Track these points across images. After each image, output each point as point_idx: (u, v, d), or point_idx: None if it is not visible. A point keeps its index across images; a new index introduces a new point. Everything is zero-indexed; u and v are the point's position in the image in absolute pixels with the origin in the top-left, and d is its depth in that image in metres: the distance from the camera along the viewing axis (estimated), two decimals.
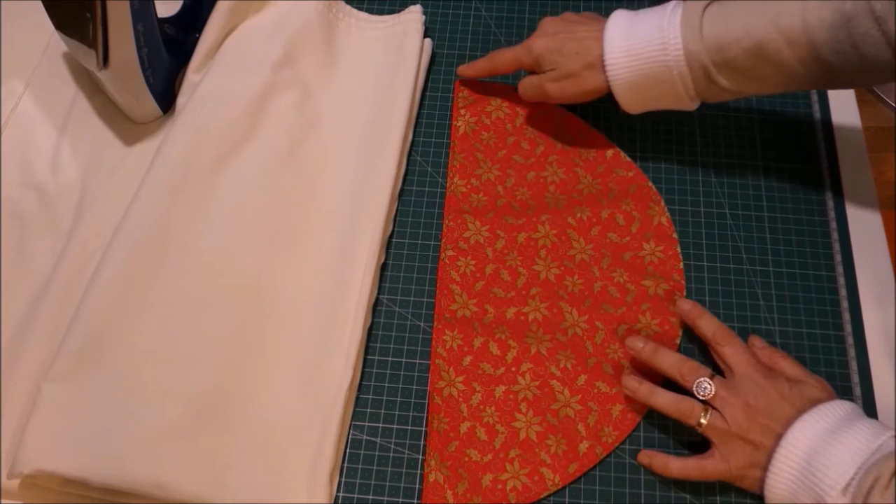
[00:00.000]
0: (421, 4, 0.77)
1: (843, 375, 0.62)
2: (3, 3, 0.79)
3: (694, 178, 0.71)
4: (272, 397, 0.60)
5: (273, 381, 0.60)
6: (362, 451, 0.60)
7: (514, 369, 0.61)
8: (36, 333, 0.61)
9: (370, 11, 0.78)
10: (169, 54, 0.71)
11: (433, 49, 0.77)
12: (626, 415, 0.60)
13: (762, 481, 0.53)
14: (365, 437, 0.60)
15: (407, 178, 0.71)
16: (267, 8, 0.74)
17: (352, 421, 0.61)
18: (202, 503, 0.55)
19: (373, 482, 0.59)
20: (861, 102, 0.75)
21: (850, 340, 0.63)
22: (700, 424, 0.55)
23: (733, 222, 0.68)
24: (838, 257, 0.67)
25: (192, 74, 0.72)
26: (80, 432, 0.55)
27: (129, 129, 0.72)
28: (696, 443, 0.58)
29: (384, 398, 0.62)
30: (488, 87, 0.75)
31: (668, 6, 0.62)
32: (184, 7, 0.75)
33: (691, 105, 0.64)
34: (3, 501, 0.56)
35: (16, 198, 0.68)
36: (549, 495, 0.57)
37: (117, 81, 0.68)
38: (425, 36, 0.76)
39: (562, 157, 0.71)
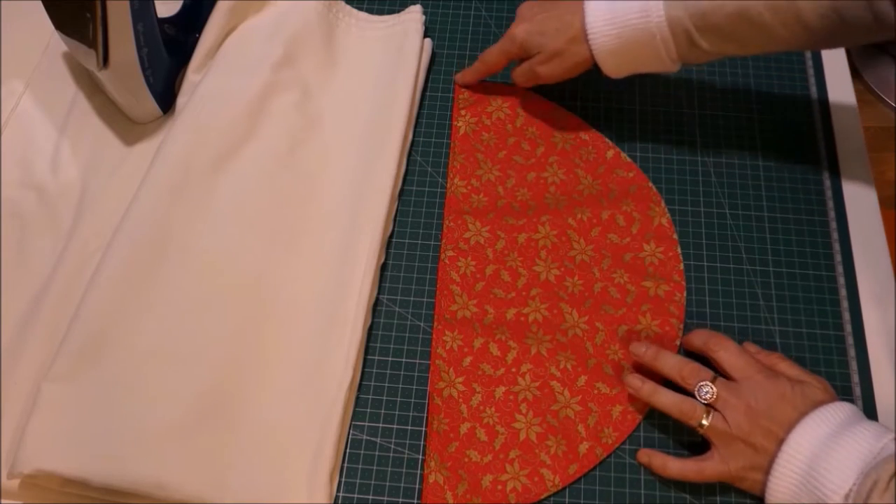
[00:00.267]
0: (421, 4, 0.77)
1: (843, 375, 0.62)
2: (3, 3, 0.79)
3: (694, 178, 0.71)
4: (272, 397, 0.60)
5: (273, 381, 0.60)
6: (362, 451, 0.60)
7: (514, 370, 0.61)
8: (36, 333, 0.61)
9: (370, 11, 0.78)
10: (169, 54, 0.71)
11: (433, 49, 0.77)
12: (626, 416, 0.60)
13: (763, 484, 0.53)
14: (365, 437, 0.60)
15: (407, 178, 0.71)
16: (267, 8, 0.74)
17: (352, 421, 0.61)
18: (202, 503, 0.55)
19: (373, 482, 0.59)
20: (861, 102, 0.76)
21: (850, 340, 0.63)
22: (701, 426, 0.55)
23: (733, 222, 0.68)
24: (838, 257, 0.67)
25: (192, 74, 0.72)
26: (80, 432, 0.55)
27: (129, 129, 0.72)
28: (696, 443, 0.58)
29: (384, 398, 0.62)
30: (488, 87, 0.75)
31: None
32: (184, 7, 0.75)
33: (673, 67, 0.64)
34: (3, 501, 0.56)
35: (16, 198, 0.68)
36: (549, 496, 0.57)
37: (117, 81, 0.68)
38: (425, 36, 0.76)
39: (562, 158, 0.71)
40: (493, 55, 0.71)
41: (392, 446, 0.60)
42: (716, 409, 0.55)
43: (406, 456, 0.59)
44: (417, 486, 0.58)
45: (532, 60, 0.68)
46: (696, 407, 0.56)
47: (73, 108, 0.73)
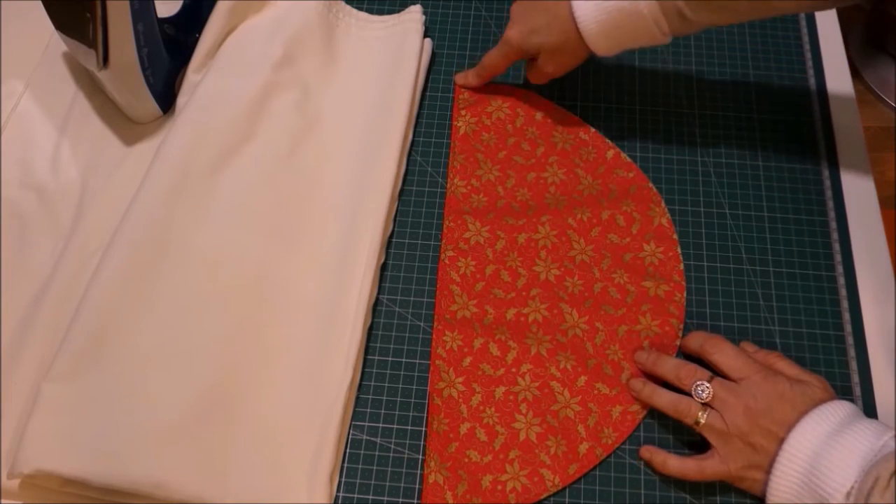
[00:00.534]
0: (421, 4, 0.77)
1: (843, 375, 0.62)
2: (3, 3, 0.79)
3: (694, 178, 0.71)
4: (272, 397, 0.60)
5: (273, 381, 0.60)
6: (362, 451, 0.60)
7: (514, 370, 0.61)
8: (36, 333, 0.61)
9: (370, 11, 0.78)
10: (169, 54, 0.71)
11: (433, 49, 0.77)
12: (625, 416, 0.60)
13: (763, 484, 0.53)
14: (365, 437, 0.60)
15: (407, 178, 0.71)
16: (267, 8, 0.74)
17: (352, 421, 0.61)
18: (202, 503, 0.55)
19: (373, 482, 0.59)
20: (861, 102, 0.76)
21: (850, 340, 0.63)
22: (697, 423, 0.55)
23: (733, 222, 0.68)
24: (838, 257, 0.67)
25: (192, 74, 0.72)
26: (80, 432, 0.55)
27: (129, 129, 0.72)
28: (697, 444, 0.58)
29: (384, 398, 0.62)
30: (489, 87, 0.75)
31: None
32: (184, 7, 0.75)
33: (665, 40, 0.64)
34: (3, 501, 0.56)
35: (16, 198, 0.68)
36: (548, 496, 0.57)
37: (117, 81, 0.68)
38: (425, 36, 0.76)
39: (562, 158, 0.71)
40: (493, 59, 0.71)
41: (392, 446, 0.60)
42: (714, 409, 0.55)
43: (406, 456, 0.59)
44: (417, 487, 0.58)
45: (538, 62, 0.68)
46: (691, 405, 0.56)
47: (73, 108, 0.73)
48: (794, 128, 0.73)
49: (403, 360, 0.63)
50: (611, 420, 0.59)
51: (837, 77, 0.76)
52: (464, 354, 0.62)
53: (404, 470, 0.59)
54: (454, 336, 0.63)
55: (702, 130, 0.73)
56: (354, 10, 0.78)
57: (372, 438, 0.60)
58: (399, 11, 0.77)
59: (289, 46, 0.71)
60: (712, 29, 0.79)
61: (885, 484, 0.47)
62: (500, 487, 0.57)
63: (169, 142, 0.65)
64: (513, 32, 0.67)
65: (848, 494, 0.49)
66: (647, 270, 0.65)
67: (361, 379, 0.62)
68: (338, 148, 0.71)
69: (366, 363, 0.63)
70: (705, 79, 0.76)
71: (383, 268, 0.67)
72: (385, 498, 0.58)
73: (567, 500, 0.58)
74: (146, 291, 0.60)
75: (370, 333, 0.64)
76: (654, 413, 0.60)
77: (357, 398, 0.62)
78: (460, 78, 0.75)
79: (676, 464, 0.56)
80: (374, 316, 0.65)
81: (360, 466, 0.59)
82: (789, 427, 0.53)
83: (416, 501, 0.58)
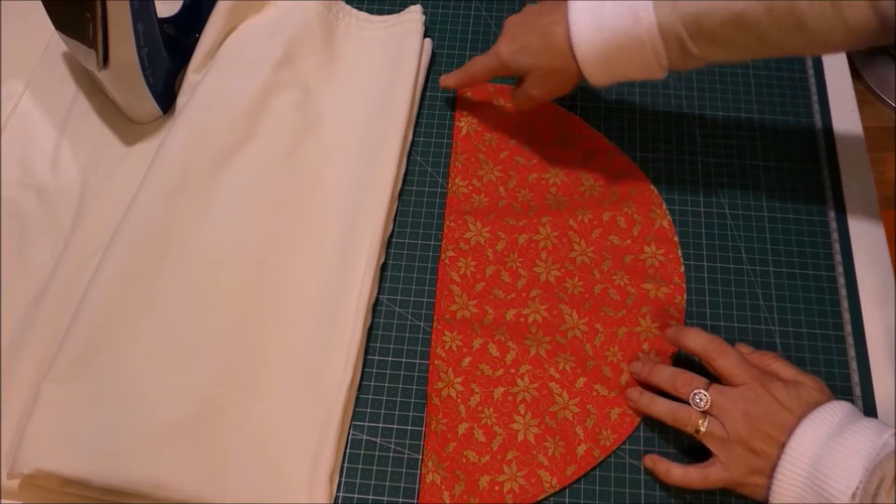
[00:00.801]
0: (421, 4, 0.77)
1: (843, 375, 0.62)
2: (3, 3, 0.79)
3: (694, 178, 0.71)
4: (272, 397, 0.60)
5: (273, 380, 0.60)
6: (362, 451, 0.60)
7: (512, 371, 0.61)
8: (36, 333, 0.61)
9: (370, 11, 0.78)
10: (169, 54, 0.71)
11: (433, 49, 0.77)
12: (624, 418, 0.60)
13: (766, 489, 0.53)
14: (365, 437, 0.60)
15: (407, 178, 0.71)
16: (267, 8, 0.74)
17: (352, 421, 0.61)
18: (202, 503, 0.55)
19: (373, 482, 0.59)
20: (861, 102, 0.75)
21: (850, 340, 0.63)
22: (698, 432, 0.55)
23: (733, 222, 0.68)
24: (838, 257, 0.67)
25: (192, 74, 0.72)
26: (80, 432, 0.55)
27: (129, 129, 0.72)
28: (696, 445, 0.58)
29: (384, 398, 0.62)
30: (491, 88, 0.75)
31: None
32: (184, 7, 0.75)
33: (661, 75, 0.61)
34: (3, 501, 0.57)
35: (16, 198, 0.68)
36: (546, 497, 0.57)
37: (117, 81, 0.68)
38: (425, 36, 0.76)
39: (563, 159, 0.71)
40: (478, 66, 0.68)
41: (392, 446, 0.60)
42: (713, 416, 0.55)
43: (406, 456, 0.59)
44: (417, 486, 0.58)
45: (524, 85, 0.66)
46: (691, 414, 0.56)
47: (73, 108, 0.73)
48: (794, 128, 0.73)
49: (403, 360, 0.63)
50: (609, 422, 0.59)
51: (837, 77, 0.76)
52: (463, 355, 0.62)
53: (404, 470, 0.59)
54: (453, 336, 0.63)
55: (702, 131, 0.73)
56: (354, 10, 0.78)
57: (372, 438, 0.60)
58: (399, 11, 0.77)
59: (289, 46, 0.71)
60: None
61: (890, 483, 0.47)
62: (497, 488, 0.57)
63: (169, 142, 0.65)
64: (503, 48, 0.65)
65: (853, 495, 0.49)
66: (647, 272, 0.65)
67: (361, 379, 0.62)
68: (338, 148, 0.71)
69: (366, 363, 0.63)
70: (705, 79, 0.76)
71: (383, 268, 0.67)
72: (385, 498, 0.58)
73: (567, 500, 0.58)
74: (146, 291, 0.60)
75: (370, 333, 0.64)
76: None
77: (357, 398, 0.62)
78: (442, 78, 0.72)
79: (680, 473, 0.56)
80: (374, 316, 0.65)
81: (360, 466, 0.59)
82: (789, 431, 0.52)
83: (415, 501, 0.58)
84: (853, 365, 0.62)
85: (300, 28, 0.73)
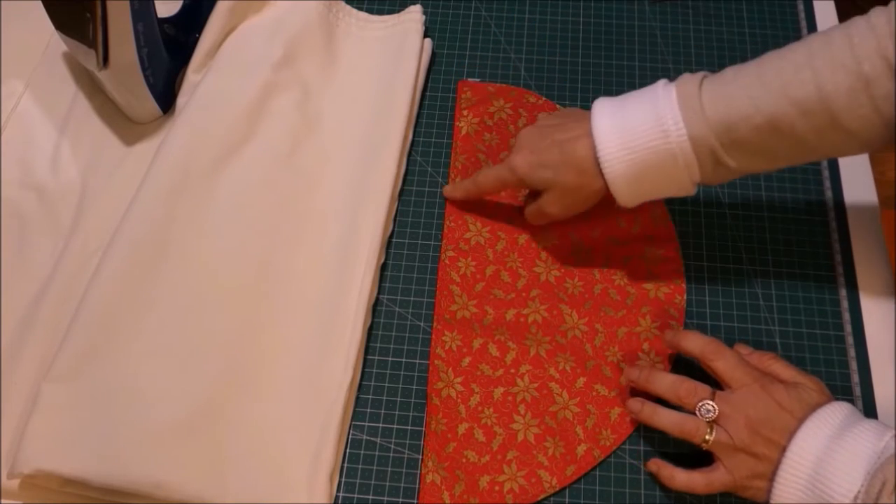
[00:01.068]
0: (421, 4, 0.77)
1: (843, 375, 0.62)
2: (3, 3, 0.79)
3: None
4: (272, 397, 0.60)
5: (273, 380, 0.60)
6: (362, 451, 0.60)
7: (512, 371, 0.61)
8: (36, 333, 0.61)
9: (370, 11, 0.78)
10: (169, 54, 0.71)
11: (433, 49, 0.77)
12: (624, 418, 0.60)
13: (768, 492, 0.53)
14: (365, 437, 0.60)
15: (407, 178, 0.71)
16: (267, 8, 0.74)
17: (352, 421, 0.61)
18: (202, 503, 0.55)
19: (373, 482, 0.59)
20: None
21: (850, 340, 0.63)
22: (706, 441, 0.54)
23: (733, 222, 0.68)
24: (838, 257, 0.67)
25: (192, 74, 0.72)
26: (80, 432, 0.55)
27: (129, 129, 0.72)
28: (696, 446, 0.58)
29: (384, 398, 0.62)
30: (492, 88, 0.75)
31: (658, 87, 0.57)
32: (184, 7, 0.75)
33: (692, 190, 0.58)
34: (3, 501, 0.57)
35: (16, 198, 0.68)
36: (546, 497, 0.57)
37: (117, 81, 0.68)
38: (425, 36, 0.76)
39: None
40: (488, 180, 0.65)
41: (392, 446, 0.60)
42: (717, 424, 0.55)
43: (406, 456, 0.59)
44: (417, 487, 0.58)
45: (541, 201, 0.62)
46: (698, 425, 0.55)
47: (73, 108, 0.73)
48: None
49: (403, 360, 0.63)
50: (609, 422, 0.59)
51: None
52: (463, 355, 0.62)
53: (404, 470, 0.59)
54: (453, 336, 0.63)
55: None
56: (354, 10, 0.78)
57: (372, 438, 0.60)
58: (399, 11, 0.77)
59: (289, 46, 0.71)
60: (712, 26, 0.78)
61: (892, 487, 0.47)
62: (497, 488, 0.57)
63: (169, 142, 0.65)
64: (520, 161, 0.61)
65: (855, 497, 0.49)
66: (647, 272, 0.65)
67: (361, 379, 0.62)
68: (338, 148, 0.71)
69: (366, 363, 0.63)
70: None
71: (383, 268, 0.67)
72: (385, 498, 0.58)
73: (567, 500, 0.58)
74: (146, 291, 0.60)
75: (370, 333, 0.64)
76: None
77: (357, 398, 0.62)
78: (447, 189, 0.69)
79: (684, 478, 0.56)
80: (374, 316, 0.65)
81: (360, 466, 0.59)
82: (790, 434, 0.52)
83: (415, 501, 0.58)
84: (853, 365, 0.62)
85: (300, 28, 0.73)
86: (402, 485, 0.58)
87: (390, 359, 0.63)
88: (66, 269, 0.64)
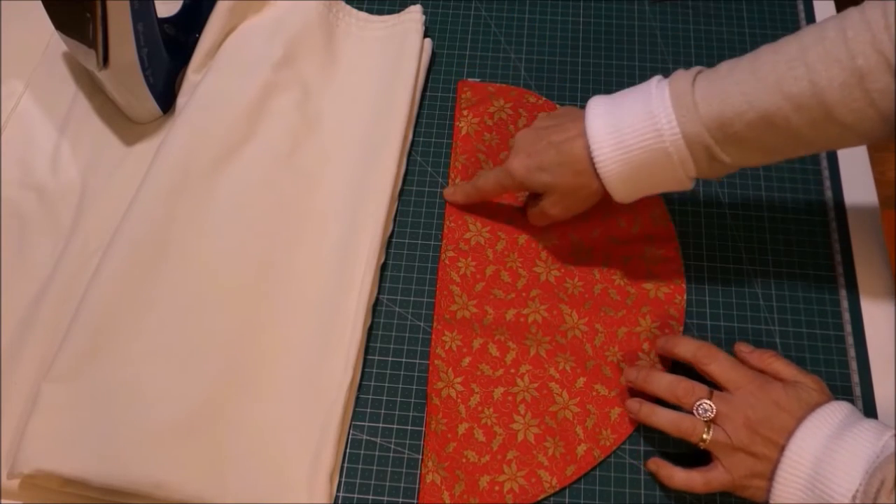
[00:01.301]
0: (421, 4, 0.77)
1: (843, 375, 0.62)
2: (3, 3, 0.79)
3: None
4: (272, 397, 0.60)
5: (273, 380, 0.60)
6: (362, 451, 0.60)
7: (512, 371, 0.61)
8: (36, 333, 0.61)
9: (370, 11, 0.78)
10: (169, 54, 0.71)
11: (433, 49, 0.77)
12: (624, 418, 0.60)
13: (766, 491, 0.53)
14: (365, 437, 0.60)
15: (407, 178, 0.71)
16: (267, 8, 0.74)
17: (352, 421, 0.61)
18: (202, 503, 0.55)
19: (373, 482, 0.59)
20: None
21: (850, 340, 0.63)
22: (703, 440, 0.55)
23: (733, 222, 0.68)
24: (838, 257, 0.67)
25: (192, 74, 0.72)
26: (80, 432, 0.55)
27: (129, 129, 0.72)
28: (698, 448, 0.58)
29: (384, 398, 0.62)
30: (491, 88, 0.75)
31: (651, 84, 0.57)
32: (184, 7, 0.75)
33: (689, 185, 0.58)
34: (3, 501, 0.57)
35: (16, 198, 0.68)
36: (546, 497, 0.57)
37: (117, 81, 0.68)
38: (425, 36, 0.76)
39: None
40: (488, 183, 0.65)
41: (392, 446, 0.60)
42: (715, 424, 0.55)
43: (406, 456, 0.59)
44: (417, 487, 0.58)
45: (542, 203, 0.63)
46: (695, 424, 0.55)
47: (73, 108, 0.73)
48: None
49: (403, 360, 0.63)
50: (609, 422, 0.59)
51: None
52: (463, 355, 0.62)
53: (404, 470, 0.59)
54: (453, 336, 0.63)
55: None
56: (354, 10, 0.78)
57: (372, 438, 0.60)
58: (399, 11, 0.77)
59: (289, 46, 0.71)
60: (712, 26, 0.78)
61: (891, 486, 0.47)
62: (497, 488, 0.57)
63: (169, 142, 0.65)
64: (517, 165, 0.61)
65: (854, 497, 0.49)
66: (647, 272, 0.65)
67: (361, 379, 0.62)
68: (338, 148, 0.71)
69: (366, 363, 0.63)
70: None
71: (383, 268, 0.67)
72: (385, 498, 0.58)
73: (567, 500, 0.58)
74: (146, 291, 0.60)
75: (370, 333, 0.64)
76: None
77: (357, 398, 0.62)
78: (448, 192, 0.69)
79: (682, 477, 0.56)
80: (374, 316, 0.65)
81: (360, 466, 0.59)
82: (789, 434, 0.52)
83: (415, 501, 0.58)
84: (853, 365, 0.62)
85: (300, 28, 0.73)
86: (402, 485, 0.58)
87: (390, 359, 0.63)
88: (66, 269, 0.64)
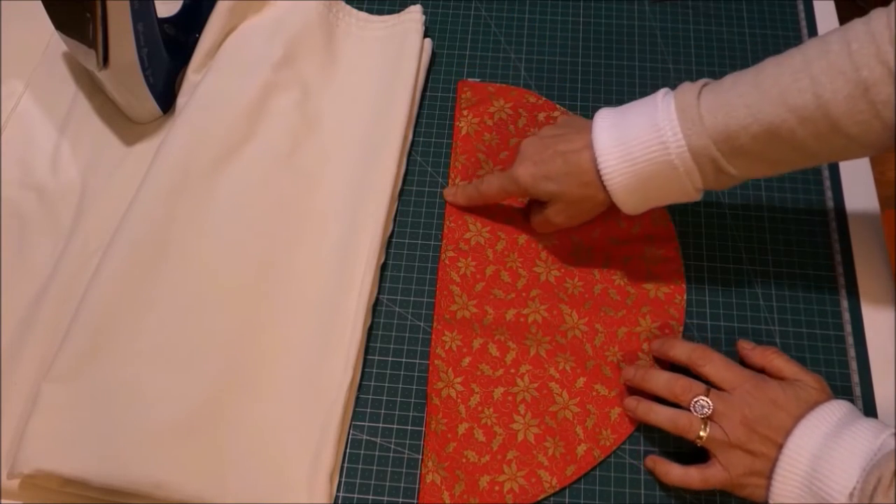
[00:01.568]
0: (421, 4, 0.77)
1: (843, 375, 0.62)
2: (3, 3, 0.79)
3: None
4: (272, 397, 0.60)
5: (273, 380, 0.60)
6: (362, 451, 0.60)
7: (512, 371, 0.61)
8: (36, 333, 0.61)
9: (370, 11, 0.78)
10: (169, 54, 0.71)
11: (433, 49, 0.77)
12: (624, 418, 0.60)
13: (765, 489, 0.53)
14: (365, 437, 0.60)
15: (407, 178, 0.71)
16: (267, 8, 0.74)
17: (352, 421, 0.61)
18: (202, 503, 0.55)
19: (373, 482, 0.59)
20: None
21: (850, 340, 0.63)
22: (700, 438, 0.55)
23: (733, 222, 0.68)
24: (838, 257, 0.67)
25: (192, 74, 0.72)
26: (80, 432, 0.55)
27: (129, 129, 0.72)
28: (696, 446, 0.58)
29: (384, 398, 0.62)
30: (491, 88, 0.75)
31: (657, 97, 0.57)
32: (184, 7, 0.75)
33: (697, 196, 0.58)
34: (3, 501, 0.57)
35: (16, 198, 0.68)
36: (546, 497, 0.57)
37: (117, 81, 0.68)
38: (425, 36, 0.76)
39: None
40: (492, 188, 0.65)
41: (392, 446, 0.60)
42: (713, 421, 0.55)
43: (406, 456, 0.59)
44: (417, 487, 0.58)
45: (547, 212, 0.63)
46: (692, 421, 0.55)
47: (73, 108, 0.73)
48: None
49: (403, 360, 0.63)
50: (609, 422, 0.59)
51: None
52: (463, 355, 0.62)
53: (404, 470, 0.59)
54: (453, 336, 0.63)
55: None
56: (354, 10, 0.78)
57: (372, 438, 0.60)
58: (399, 11, 0.77)
59: (289, 46, 0.71)
60: (712, 26, 0.78)
61: (887, 483, 0.47)
62: (497, 488, 0.57)
63: (169, 142, 0.65)
64: (523, 173, 0.61)
65: (851, 495, 0.49)
66: (647, 272, 0.65)
67: (361, 379, 0.62)
68: (338, 148, 0.71)
69: (366, 363, 0.63)
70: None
71: (383, 268, 0.67)
72: (385, 498, 0.58)
73: (567, 500, 0.58)
74: (146, 291, 0.60)
75: (370, 333, 0.64)
76: None
77: (357, 398, 0.62)
78: (449, 193, 0.69)
79: (679, 474, 0.56)
80: (374, 316, 0.65)
81: (360, 466, 0.59)
82: (787, 432, 0.53)
83: (415, 501, 0.58)
84: (853, 365, 0.62)
85: (300, 28, 0.73)
86: (402, 485, 0.58)
87: (390, 359, 0.63)
88: (66, 269, 0.64)
